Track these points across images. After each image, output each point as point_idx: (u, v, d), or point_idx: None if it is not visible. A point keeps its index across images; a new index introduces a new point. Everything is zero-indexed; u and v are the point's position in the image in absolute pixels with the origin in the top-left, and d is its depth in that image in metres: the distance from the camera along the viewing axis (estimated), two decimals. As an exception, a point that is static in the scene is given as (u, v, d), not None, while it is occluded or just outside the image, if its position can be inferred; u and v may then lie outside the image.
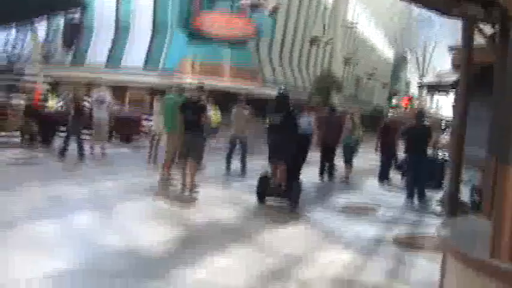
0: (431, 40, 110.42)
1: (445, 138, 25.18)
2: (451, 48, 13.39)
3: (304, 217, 11.91)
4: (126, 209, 11.04)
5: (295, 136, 12.68)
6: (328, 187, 17.38)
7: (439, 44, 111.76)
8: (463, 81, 9.19)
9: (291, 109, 12.84)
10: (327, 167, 18.56)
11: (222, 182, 16.00)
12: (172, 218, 10.60)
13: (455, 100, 12.85)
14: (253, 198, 12.93)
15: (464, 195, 10.86)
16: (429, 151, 16.16)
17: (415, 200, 14.68)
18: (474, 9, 6.46)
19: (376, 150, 18.39)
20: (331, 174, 18.58)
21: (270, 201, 12.86)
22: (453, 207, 9.35)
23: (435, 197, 15.42)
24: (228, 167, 17.91)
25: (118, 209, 11.01)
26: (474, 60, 9.50)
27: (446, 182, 13.76)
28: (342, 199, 14.74)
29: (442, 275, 5.21)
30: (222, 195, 13.71)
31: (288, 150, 12.54)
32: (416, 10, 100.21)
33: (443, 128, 52.59)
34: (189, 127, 13.17)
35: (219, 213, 11.34)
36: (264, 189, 12.71)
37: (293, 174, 12.74)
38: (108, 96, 19.95)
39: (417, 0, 7.39)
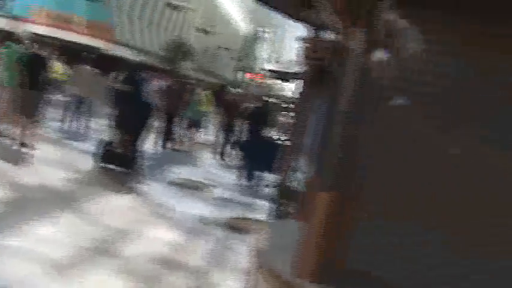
0: (285, 21, 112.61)
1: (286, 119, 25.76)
2: (299, 39, 13.69)
3: (138, 189, 11.78)
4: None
5: (143, 106, 12.69)
6: (165, 158, 17.28)
7: (292, 25, 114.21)
8: (307, 76, 9.49)
9: (141, 81, 12.97)
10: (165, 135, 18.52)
11: (60, 142, 15.44)
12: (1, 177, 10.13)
13: (300, 93, 13.22)
14: (89, 163, 12.65)
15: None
16: (269, 133, 16.44)
17: (248, 181, 14.99)
18: (317, 17, 6.68)
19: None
20: (165, 142, 18.56)
21: (107, 168, 12.57)
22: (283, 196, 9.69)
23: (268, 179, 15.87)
24: (66, 125, 17.41)
25: None
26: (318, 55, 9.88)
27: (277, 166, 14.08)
28: (178, 173, 14.73)
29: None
30: (59, 156, 13.26)
31: (135, 120, 12.50)
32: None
33: (284, 107, 54.01)
34: (28, 81, 12.65)
35: (50, 175, 10.95)
36: (105, 155, 12.48)
37: (135, 143, 12.73)
38: None
39: (269, 4, 7.50)
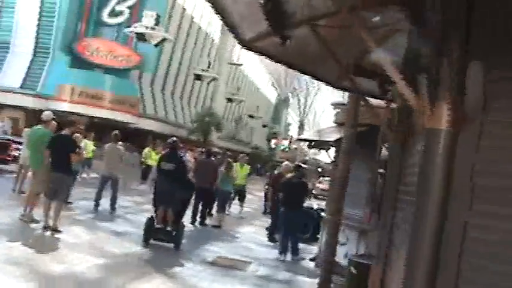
0: (314, 84, 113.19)
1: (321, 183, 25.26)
2: (334, 105, 13.22)
3: (172, 270, 11.13)
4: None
5: (184, 183, 13.64)
6: (199, 235, 16.64)
7: (322, 88, 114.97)
8: (345, 142, 8.94)
9: (182, 158, 14.60)
10: (199, 212, 17.91)
11: (89, 224, 14.82)
12: (24, 266, 9.47)
13: (337, 162, 12.63)
14: (118, 246, 12.23)
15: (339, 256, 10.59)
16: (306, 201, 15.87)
17: (288, 256, 14.22)
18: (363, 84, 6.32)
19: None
20: (203, 220, 17.93)
21: (135, 251, 12.10)
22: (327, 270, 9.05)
23: (309, 250, 15.16)
24: (96, 207, 16.92)
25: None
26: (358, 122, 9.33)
27: (321, 236, 13.40)
28: (213, 250, 14.04)
29: None
30: (88, 239, 12.67)
31: (178, 196, 13.17)
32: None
33: (320, 172, 53.30)
34: (57, 164, 12.47)
35: (78, 261, 10.33)
36: (149, 230, 12.95)
37: (179, 218, 13.33)
38: None
39: (309, 74, 7.10)
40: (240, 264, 12.73)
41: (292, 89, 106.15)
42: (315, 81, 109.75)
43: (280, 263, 13.73)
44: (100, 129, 35.75)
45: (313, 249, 15.52)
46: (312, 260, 14.25)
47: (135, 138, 44.42)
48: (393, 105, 6.32)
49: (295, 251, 14.36)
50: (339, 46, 5.37)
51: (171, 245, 13.09)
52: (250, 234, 18.24)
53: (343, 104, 12.38)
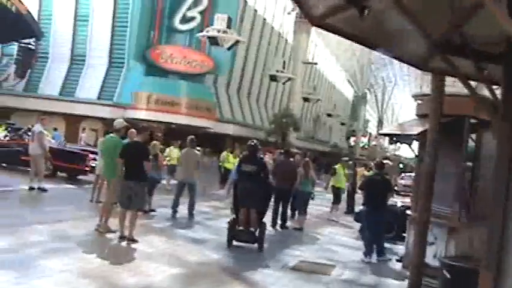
0: (391, 80, 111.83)
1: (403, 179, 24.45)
2: (415, 97, 12.49)
3: (252, 278, 10.63)
4: (48, 265, 9.38)
5: (265, 184, 13.84)
6: (280, 239, 16.12)
7: (399, 83, 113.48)
8: (431, 133, 8.29)
9: (262, 160, 14.78)
10: (280, 214, 17.41)
11: (167, 232, 14.54)
12: (99, 278, 9.09)
13: (423, 156, 11.90)
14: (196, 254, 11.88)
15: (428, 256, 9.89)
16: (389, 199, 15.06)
17: (374, 257, 13.56)
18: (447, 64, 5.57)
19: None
20: (284, 222, 17.43)
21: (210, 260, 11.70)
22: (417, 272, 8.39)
23: (395, 250, 14.47)
24: (174, 215, 16.67)
25: (38, 264, 9.52)
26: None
27: (408, 235, 12.65)
28: (294, 255, 13.45)
29: None
30: (164, 248, 12.30)
31: (260, 197, 13.46)
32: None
33: (401, 168, 52.15)
34: (130, 173, 12.20)
35: (154, 273, 9.93)
36: (233, 233, 13.24)
37: (260, 219, 13.55)
38: (39, 126, 18.48)
39: (395, 56, 6.40)
40: (323, 268, 12.11)
41: (369, 85, 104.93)
42: (392, 76, 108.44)
43: (365, 266, 13.04)
44: (178, 136, 35.67)
45: (399, 249, 14.79)
46: (398, 260, 13.50)
47: (214, 142, 44.45)
48: (491, 88, 5.58)
49: (381, 252, 13.68)
50: (426, 18, 4.68)
51: (253, 248, 12.98)
52: (333, 236, 17.61)
53: (426, 95, 11.69)
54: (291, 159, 18.71)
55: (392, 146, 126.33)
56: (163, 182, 21.60)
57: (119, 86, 48.93)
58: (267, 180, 14.20)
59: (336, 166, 22.44)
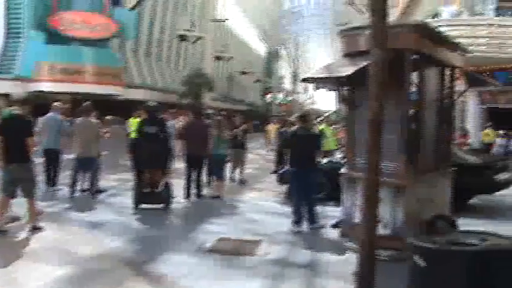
0: (303, 34, 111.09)
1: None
2: (344, 32, 10.51)
3: (157, 271, 8.51)
4: None
5: (167, 144, 13.95)
6: (195, 211, 14.12)
7: (312, 36, 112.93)
8: (375, 71, 6.36)
9: (163, 121, 14.50)
10: (193, 183, 15.36)
11: (60, 218, 12.24)
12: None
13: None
14: (91, 243, 9.83)
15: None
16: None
17: (305, 225, 11.66)
18: None
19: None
20: (199, 191, 15.38)
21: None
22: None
23: (328, 214, 12.56)
24: (72, 195, 14.48)
25: None
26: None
27: (344, 197, 10.64)
28: (212, 231, 11.36)
29: None
30: (52, 240, 10.07)
31: (163, 158, 13.59)
32: (286, 4, 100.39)
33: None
34: (12, 153, 10.25)
35: (30, 279, 7.75)
36: (139, 196, 13.36)
37: (164, 179, 13.61)
38: None
39: None
40: (246, 246, 10.07)
41: (281, 40, 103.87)
42: (304, 30, 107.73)
43: (296, 237, 11.02)
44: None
45: (332, 211, 12.93)
46: (334, 226, 11.47)
47: (124, 110, 41.95)
48: None
49: (313, 218, 11.75)
50: None
51: (162, 226, 12.05)
52: (257, 202, 15.59)
53: (359, 27, 9.74)
54: (207, 120, 16.69)
55: (309, 100, 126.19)
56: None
57: (18, 58, 45.41)
58: (169, 141, 14.11)
59: None
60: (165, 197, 13.45)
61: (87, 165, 14.73)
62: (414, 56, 9.11)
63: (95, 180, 14.86)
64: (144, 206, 13.28)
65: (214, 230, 11.43)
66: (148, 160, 13.44)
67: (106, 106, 30.83)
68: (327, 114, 23.39)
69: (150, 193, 13.39)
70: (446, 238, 5.61)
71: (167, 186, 13.58)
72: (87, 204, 13.81)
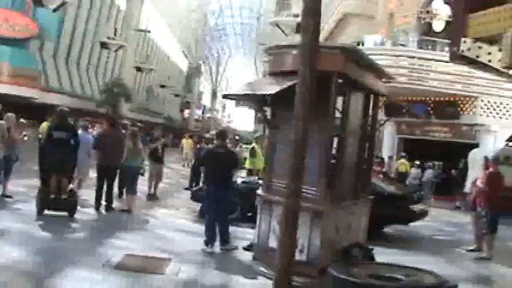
0: (225, 52, 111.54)
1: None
2: (270, 50, 10.25)
3: (56, 280, 7.97)
4: None
5: (75, 150, 13.68)
6: (104, 225, 13.54)
7: (233, 55, 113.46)
8: (303, 91, 6.09)
9: (73, 126, 14.87)
10: (104, 194, 14.79)
11: None
12: None
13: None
14: None
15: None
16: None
17: (217, 246, 11.28)
18: None
19: None
20: (109, 204, 14.80)
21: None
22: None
23: (241, 235, 12.25)
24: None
25: None
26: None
27: (259, 219, 10.30)
28: (120, 246, 10.85)
29: None
30: None
31: (70, 164, 13.52)
32: (211, 22, 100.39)
33: (237, 140, 50.72)
34: None
35: None
36: (44, 201, 12.97)
37: (70, 185, 13.67)
38: None
39: None
40: (155, 263, 9.64)
41: (204, 56, 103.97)
42: (226, 48, 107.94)
43: (207, 257, 10.66)
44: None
45: (245, 233, 12.63)
46: (247, 249, 11.09)
47: (40, 114, 40.65)
48: None
49: (226, 239, 11.42)
50: None
51: (67, 237, 11.37)
52: (168, 219, 15.13)
53: (287, 46, 9.49)
54: (123, 130, 16.21)
55: (226, 118, 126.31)
56: None
57: None
58: (77, 147, 13.73)
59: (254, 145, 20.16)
60: (70, 204, 13.10)
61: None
62: (340, 80, 8.92)
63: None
64: (48, 212, 12.84)
65: (122, 245, 10.94)
66: (55, 165, 13.16)
67: (21, 109, 29.78)
68: (258, 134, 23.09)
69: (55, 199, 13.03)
70: (367, 270, 5.36)
71: (72, 194, 13.39)
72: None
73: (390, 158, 28.84)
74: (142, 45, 73.11)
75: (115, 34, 53.25)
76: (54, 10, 40.16)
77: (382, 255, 10.15)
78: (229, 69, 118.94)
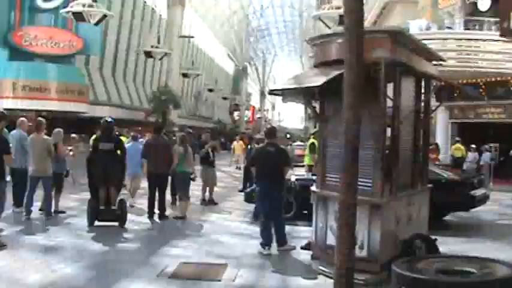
0: (270, 51, 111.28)
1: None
2: (313, 40, 9.87)
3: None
4: None
5: (122, 161, 13.83)
6: (158, 233, 13.35)
7: (279, 55, 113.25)
8: (351, 78, 5.72)
9: (119, 137, 14.95)
10: (156, 203, 14.63)
11: (11, 241, 11.07)
12: None
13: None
14: (42, 270, 8.95)
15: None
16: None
17: (274, 247, 10.94)
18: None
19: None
20: (162, 212, 14.63)
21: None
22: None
23: (298, 234, 11.92)
24: (27, 216, 13.57)
25: None
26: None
27: (315, 217, 9.95)
28: (176, 254, 10.62)
29: None
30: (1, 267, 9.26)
31: (117, 174, 13.54)
32: (254, 22, 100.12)
33: (288, 138, 50.30)
34: None
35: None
36: (94, 213, 13.11)
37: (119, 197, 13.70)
38: None
39: None
40: (211, 270, 9.39)
41: (249, 58, 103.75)
42: (271, 48, 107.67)
43: (265, 260, 10.37)
44: (50, 123, 32.05)
45: (302, 231, 12.29)
46: (304, 248, 10.76)
47: (90, 127, 40.98)
48: None
49: (282, 239, 11.10)
50: None
51: (120, 249, 11.21)
52: (223, 222, 14.87)
53: (332, 35, 9.10)
54: (165, 136, 16.14)
55: (276, 118, 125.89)
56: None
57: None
58: (124, 158, 13.95)
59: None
60: (120, 214, 13.22)
61: (43, 183, 13.93)
62: (389, 65, 8.49)
63: (48, 200, 14.00)
64: (100, 224, 12.99)
65: (177, 253, 10.73)
66: (102, 176, 13.29)
67: (72, 124, 29.99)
68: (316, 129, 22.75)
69: (104, 210, 13.25)
70: (433, 265, 4.94)
71: (122, 204, 13.41)
72: (41, 226, 12.99)
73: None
74: (187, 52, 73.20)
75: (158, 42, 53.26)
76: (96, 24, 40.41)
77: (446, 245, 9.74)
78: (276, 68, 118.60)
